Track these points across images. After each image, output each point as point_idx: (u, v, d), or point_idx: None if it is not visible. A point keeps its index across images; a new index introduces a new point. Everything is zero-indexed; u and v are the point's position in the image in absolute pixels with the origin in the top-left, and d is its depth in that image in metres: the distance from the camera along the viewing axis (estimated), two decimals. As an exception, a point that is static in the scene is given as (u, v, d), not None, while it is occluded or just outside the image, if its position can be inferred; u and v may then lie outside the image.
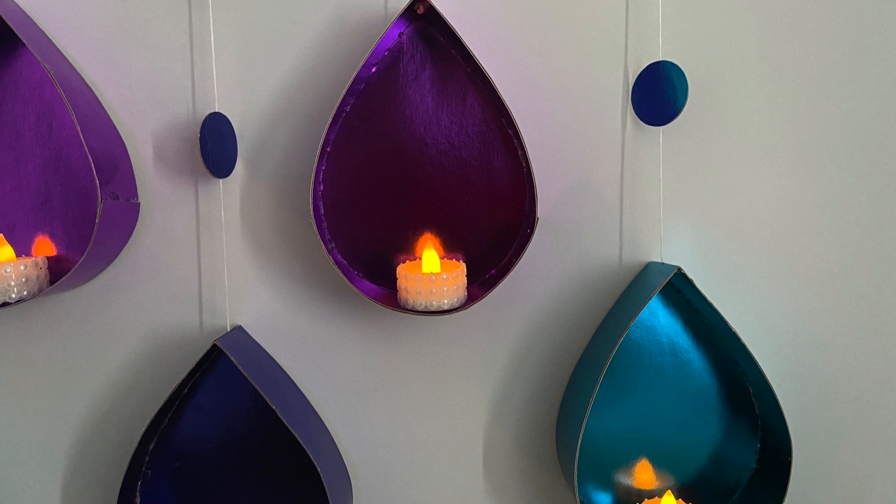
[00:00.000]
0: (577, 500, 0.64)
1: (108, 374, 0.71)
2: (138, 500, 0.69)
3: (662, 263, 0.68)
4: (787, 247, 0.69)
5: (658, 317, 0.69)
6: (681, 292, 0.68)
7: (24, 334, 0.71)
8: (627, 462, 0.70)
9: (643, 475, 0.70)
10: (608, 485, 0.70)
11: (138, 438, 0.67)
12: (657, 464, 0.70)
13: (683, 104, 0.65)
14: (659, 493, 0.69)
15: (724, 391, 0.69)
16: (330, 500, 0.64)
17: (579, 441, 0.63)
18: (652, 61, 0.67)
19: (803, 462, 0.70)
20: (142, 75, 0.69)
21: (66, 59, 0.69)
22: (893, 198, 0.69)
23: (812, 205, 0.69)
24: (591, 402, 0.63)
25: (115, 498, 0.69)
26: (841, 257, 0.69)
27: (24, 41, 0.64)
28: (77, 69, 0.69)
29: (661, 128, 0.68)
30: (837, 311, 0.70)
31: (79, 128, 0.63)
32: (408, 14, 0.66)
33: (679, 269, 0.64)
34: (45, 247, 0.69)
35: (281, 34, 0.68)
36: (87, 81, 0.69)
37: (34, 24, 0.69)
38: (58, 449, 0.71)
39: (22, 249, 0.69)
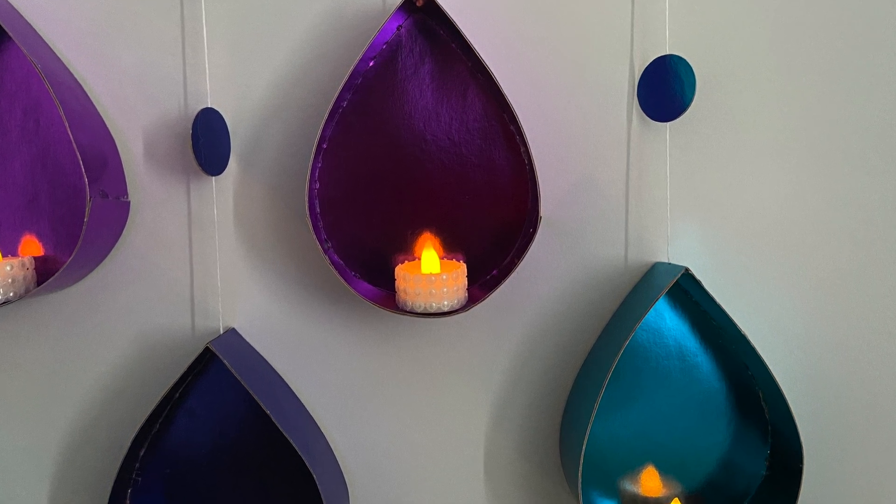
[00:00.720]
0: (582, 508, 0.63)
1: (97, 377, 0.69)
2: (128, 508, 0.67)
3: (669, 264, 0.66)
4: (798, 246, 0.68)
5: (665, 319, 0.67)
6: (688, 294, 0.67)
7: (11, 337, 0.69)
8: (633, 469, 0.68)
9: (649, 482, 0.68)
10: (613, 492, 0.68)
11: (128, 444, 0.66)
12: (664, 470, 0.68)
13: (691, 99, 0.64)
14: (666, 501, 0.68)
15: (732, 396, 0.68)
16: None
17: (583, 447, 0.62)
18: (658, 55, 0.65)
19: (815, 469, 0.69)
20: (132, 70, 0.67)
21: (54, 53, 0.67)
22: (906, 196, 0.67)
23: (824, 203, 0.67)
24: (596, 406, 0.61)
25: (105, 506, 0.68)
26: (854, 257, 0.68)
27: (11, 34, 0.63)
28: (65, 63, 0.67)
29: (668, 124, 0.66)
30: (850, 313, 0.68)
31: (67, 124, 0.62)
32: (406, 6, 0.64)
33: (687, 269, 0.63)
34: (31, 247, 0.68)
35: (275, 27, 0.67)
36: (76, 76, 0.68)
37: (21, 16, 0.67)
38: (45, 455, 0.70)
39: (8, 249, 0.68)
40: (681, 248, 0.67)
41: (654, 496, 0.68)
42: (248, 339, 0.69)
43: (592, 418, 0.62)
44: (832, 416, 0.69)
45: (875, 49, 0.67)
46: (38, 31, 0.67)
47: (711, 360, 0.67)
